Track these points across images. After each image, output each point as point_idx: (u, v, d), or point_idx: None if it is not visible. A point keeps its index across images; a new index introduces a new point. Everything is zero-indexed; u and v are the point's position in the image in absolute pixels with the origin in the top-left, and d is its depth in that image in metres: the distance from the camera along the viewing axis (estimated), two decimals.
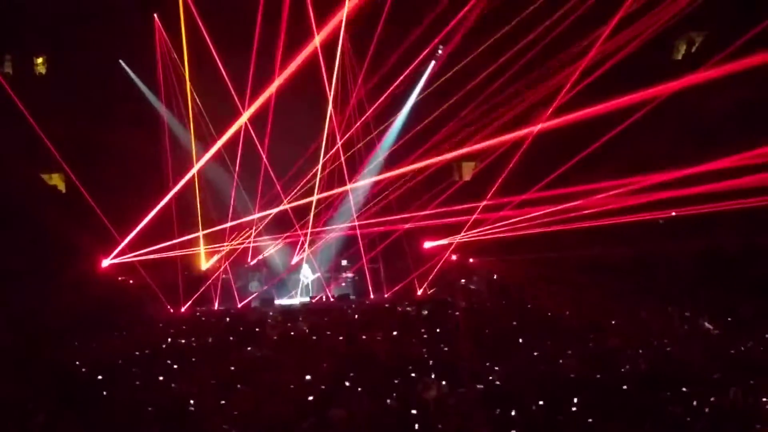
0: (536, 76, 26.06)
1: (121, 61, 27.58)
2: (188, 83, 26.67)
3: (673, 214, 25.16)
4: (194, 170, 26.68)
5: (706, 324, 20.14)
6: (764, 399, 13.35)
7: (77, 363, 17.01)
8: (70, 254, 25.51)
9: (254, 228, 28.66)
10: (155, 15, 26.53)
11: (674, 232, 26.23)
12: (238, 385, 15.11)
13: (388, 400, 13.77)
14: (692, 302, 22.20)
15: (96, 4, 26.25)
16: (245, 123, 26.38)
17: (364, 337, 19.79)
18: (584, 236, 26.04)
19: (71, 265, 25.45)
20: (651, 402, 13.32)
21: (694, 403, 13.27)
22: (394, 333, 20.31)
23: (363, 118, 27.98)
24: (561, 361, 16.44)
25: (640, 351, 17.48)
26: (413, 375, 15.42)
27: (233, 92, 26.08)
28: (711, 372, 15.26)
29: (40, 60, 29.75)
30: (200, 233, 27.66)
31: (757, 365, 15.77)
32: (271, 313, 25.26)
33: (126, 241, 25.53)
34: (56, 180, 29.93)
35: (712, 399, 13.42)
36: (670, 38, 27.73)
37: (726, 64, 21.27)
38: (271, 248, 29.74)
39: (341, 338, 19.65)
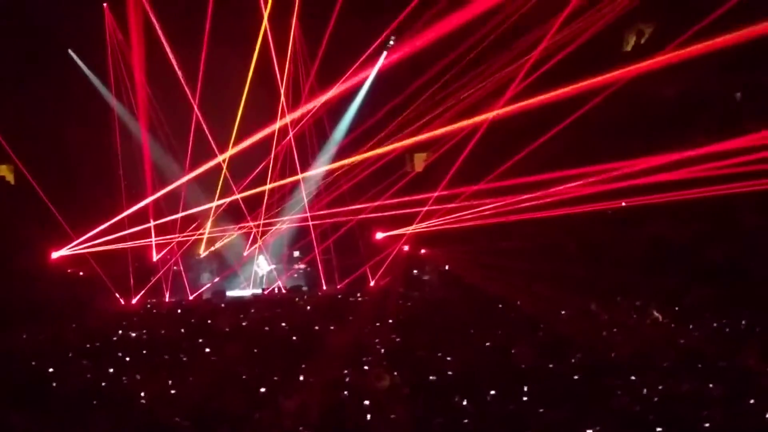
0: (488, 67, 26.12)
1: (70, 50, 27.27)
2: (140, 75, 26.49)
3: (623, 204, 25.38)
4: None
5: (655, 313, 20.34)
6: (710, 385, 13.53)
7: (26, 355, 16.86)
8: (19, 246, 25.25)
9: (209, 219, 28.53)
10: (105, 4, 26.28)
11: (623, 222, 26.48)
12: (190, 377, 15.06)
13: (341, 391, 13.79)
14: (641, 291, 22.42)
15: None
16: (196, 112, 26.27)
17: (316, 328, 19.78)
18: (535, 227, 26.22)
19: (20, 256, 25.19)
20: (601, 391, 13.45)
21: (644, 391, 13.43)
22: (347, 324, 20.34)
23: (314, 108, 27.90)
24: (513, 350, 16.54)
25: (590, 340, 17.64)
26: (366, 365, 15.45)
27: (183, 82, 25.94)
28: (660, 360, 15.45)
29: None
30: (151, 224, 27.46)
31: (704, 352, 16.00)
32: (222, 305, 25.19)
33: (88, 234, 25.32)
34: (4, 171, 29.55)
35: (660, 387, 13.59)
36: (619, 30, 27.95)
37: (672, 54, 21.58)
38: (223, 239, 29.62)
39: (293, 329, 19.64)
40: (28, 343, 18.73)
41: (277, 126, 27.33)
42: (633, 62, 23.67)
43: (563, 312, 20.87)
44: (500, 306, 22.25)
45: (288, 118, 27.42)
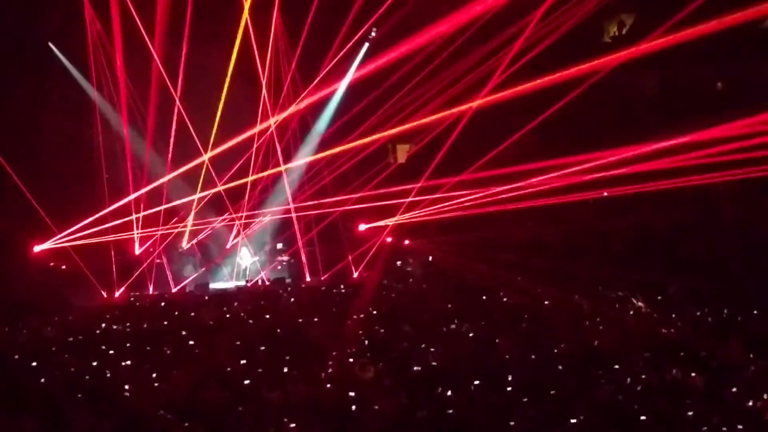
0: (470, 58, 26.12)
1: (50, 44, 27.13)
2: (121, 68, 26.40)
3: (605, 194, 25.47)
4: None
5: (637, 303, 20.44)
6: (693, 374, 13.63)
7: (8, 350, 16.81)
8: (0, 240, 25.14)
9: (192, 211, 28.46)
10: None
11: (605, 213, 26.59)
12: (174, 370, 15.05)
13: (325, 383, 13.82)
14: (623, 282, 22.51)
15: None
16: (178, 105, 26.22)
17: (300, 320, 19.79)
18: (517, 217, 26.32)
19: (1, 251, 25.09)
20: (584, 381, 13.53)
21: (627, 380, 13.52)
22: (330, 316, 20.35)
23: (298, 100, 27.83)
24: (496, 341, 16.60)
25: (573, 331, 17.72)
26: (350, 357, 15.48)
27: (165, 75, 25.88)
28: (642, 350, 15.54)
29: None
30: (133, 216, 27.38)
31: (686, 342, 16.11)
32: (206, 298, 25.17)
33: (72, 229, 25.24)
34: None
35: (643, 376, 13.68)
36: (600, 20, 28.02)
37: (653, 44, 21.67)
38: (206, 231, 29.56)
39: (277, 321, 19.64)
40: (10, 338, 18.66)
41: (258, 127, 27.29)
42: (613, 52, 23.74)
43: (546, 303, 20.94)
44: (484, 297, 22.29)
45: (272, 119, 27.35)
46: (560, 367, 14.32)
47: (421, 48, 25.01)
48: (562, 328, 18.23)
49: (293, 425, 11.79)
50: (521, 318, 19.26)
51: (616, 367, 14.25)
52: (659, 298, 20.94)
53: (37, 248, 25.55)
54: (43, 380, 14.48)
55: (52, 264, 26.62)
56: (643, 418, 11.68)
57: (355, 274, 28.50)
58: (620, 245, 26.28)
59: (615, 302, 20.82)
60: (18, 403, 12.95)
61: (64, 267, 26.62)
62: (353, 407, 12.52)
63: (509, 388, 13.16)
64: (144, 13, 25.15)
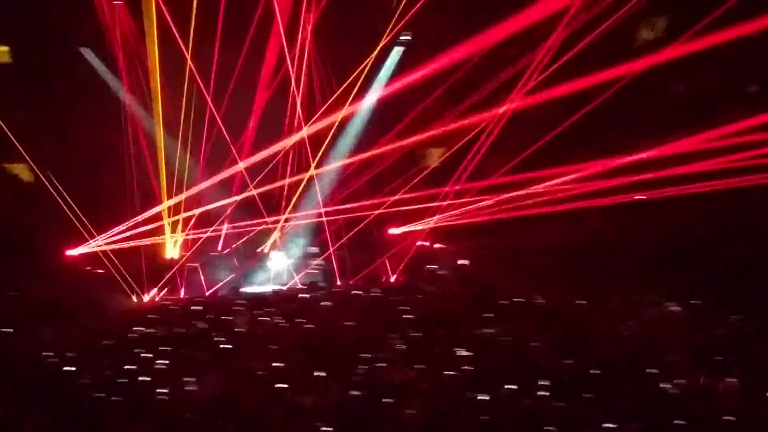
0: (501, 61, 26.05)
1: (83, 49, 27.30)
2: (157, 72, 26.54)
3: (636, 198, 25.30)
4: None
5: (670, 307, 20.32)
6: (726, 378, 13.54)
7: (44, 354, 16.94)
8: (35, 245, 25.34)
9: (225, 215, 28.55)
10: (117, 2, 26.33)
11: (638, 216, 26.42)
12: (206, 374, 15.11)
13: (357, 387, 13.82)
14: (656, 286, 22.37)
15: None
16: (211, 106, 26.36)
17: (332, 324, 19.81)
18: (550, 221, 26.20)
19: (36, 255, 25.29)
20: (617, 385, 13.46)
21: (660, 384, 13.44)
22: (363, 320, 20.35)
23: (328, 103, 27.83)
24: (534, 344, 16.55)
25: (606, 335, 17.64)
26: (382, 362, 15.48)
27: (198, 78, 26.01)
28: (676, 355, 15.45)
29: (4, 48, 29.38)
30: (162, 222, 27.50)
31: (720, 347, 16.00)
32: (238, 302, 25.22)
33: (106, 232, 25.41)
34: (19, 170, 29.59)
35: (677, 381, 13.60)
36: (631, 24, 27.84)
37: (685, 47, 21.54)
38: (240, 236, 29.61)
39: (310, 325, 19.66)
40: (44, 341, 18.79)
41: (293, 139, 27.39)
42: (645, 55, 23.62)
43: (579, 306, 20.85)
44: (516, 301, 22.22)
45: (305, 130, 27.39)
46: (593, 372, 14.25)
47: (454, 52, 24.95)
48: (595, 332, 18.17)
49: (325, 429, 11.80)
50: (554, 322, 19.19)
51: (650, 371, 14.16)
52: (692, 301, 20.80)
53: (69, 252, 25.71)
54: (77, 383, 14.58)
55: (86, 268, 26.78)
56: (677, 422, 11.61)
57: (389, 279, 28.46)
58: (654, 249, 26.07)
59: (648, 306, 20.69)
60: (53, 406, 13.04)
61: (97, 271, 26.76)
62: (385, 411, 12.52)
63: (542, 393, 13.11)
64: (177, 17, 25.30)
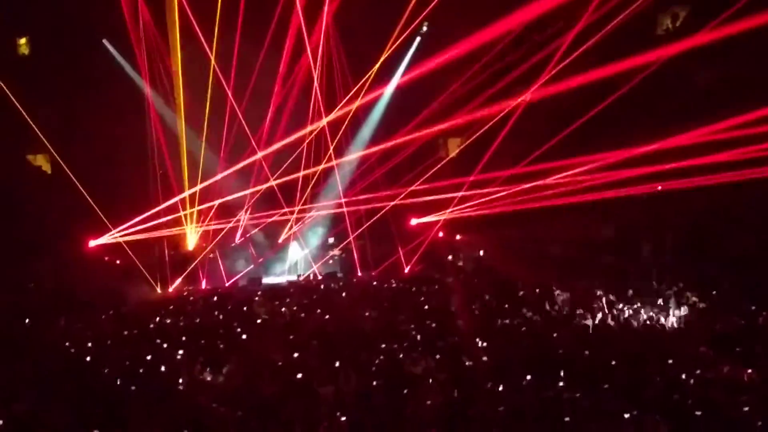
0: (522, 50, 25.97)
1: (105, 41, 27.42)
2: (178, 65, 26.66)
3: (659, 188, 25.18)
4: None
5: (692, 298, 20.24)
6: (749, 370, 13.48)
7: (66, 344, 17.03)
8: (57, 235, 25.47)
9: (244, 206, 28.66)
10: None
11: (658, 207, 26.29)
12: (227, 364, 15.15)
13: (376, 376, 13.83)
14: (677, 276, 22.29)
15: None
16: (231, 99, 26.45)
17: (351, 314, 19.82)
18: (569, 212, 26.11)
19: (58, 246, 25.43)
20: (638, 376, 13.41)
21: (682, 375, 13.39)
22: (382, 310, 20.37)
23: (349, 95, 27.84)
24: (551, 336, 16.53)
25: (626, 326, 17.60)
26: (401, 351, 15.49)
27: (218, 71, 26.09)
28: (696, 345, 15.39)
29: (23, 41, 29.54)
30: (185, 212, 27.61)
31: (741, 337, 15.93)
32: (258, 292, 25.28)
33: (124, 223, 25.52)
34: (41, 161, 29.76)
35: (698, 371, 13.54)
36: (653, 12, 27.66)
37: (709, 35, 21.42)
38: (259, 226, 29.70)
39: (329, 316, 19.69)
40: (66, 331, 18.89)
41: (310, 128, 27.43)
42: (667, 45, 23.51)
43: (599, 297, 20.79)
44: (536, 291, 22.19)
45: (324, 120, 27.42)
46: (614, 362, 14.21)
47: (473, 42, 24.87)
48: (615, 323, 18.13)
49: (345, 418, 11.82)
50: (574, 313, 19.16)
51: (671, 361, 14.11)
52: (714, 293, 20.71)
53: (92, 243, 25.83)
54: (98, 373, 14.66)
55: (107, 258, 26.91)
56: (697, 413, 11.57)
57: (407, 269, 28.48)
58: (674, 240, 25.98)
59: (669, 297, 20.61)
60: (74, 395, 13.10)
61: (118, 261, 26.89)
62: (404, 401, 12.53)
63: (562, 383, 13.09)
64: (198, 10, 25.38)
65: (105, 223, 25.33)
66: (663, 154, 23.14)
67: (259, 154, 27.04)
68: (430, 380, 13.58)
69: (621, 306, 19.92)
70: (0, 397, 12.89)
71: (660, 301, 20.31)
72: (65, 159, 25.37)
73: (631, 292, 21.26)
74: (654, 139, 23.28)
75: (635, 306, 19.89)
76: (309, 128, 27.54)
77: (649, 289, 21.81)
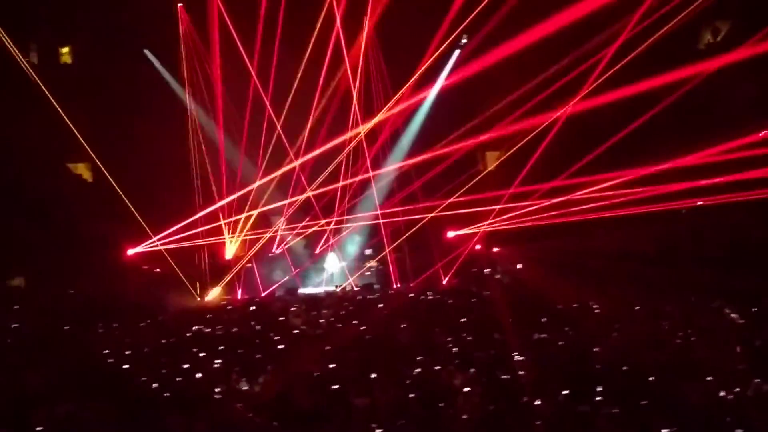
0: (563, 64, 25.88)
1: (146, 50, 27.67)
2: (217, 75, 26.86)
3: (700, 203, 25.01)
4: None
5: (732, 314, 20.02)
6: None
7: (104, 352, 17.14)
8: (97, 243, 25.69)
9: (282, 217, 28.78)
10: (180, 5, 26.62)
11: (699, 222, 26.10)
12: (263, 374, 15.20)
13: (412, 389, 13.80)
14: (717, 292, 22.06)
15: None
16: (269, 110, 26.61)
17: (388, 326, 19.81)
18: (608, 225, 25.96)
19: (97, 254, 25.64)
20: (676, 392, 13.30)
21: (721, 393, 13.24)
22: (419, 322, 20.33)
23: (387, 107, 27.89)
24: (586, 350, 16.42)
25: (665, 341, 17.44)
26: (437, 364, 15.45)
27: (258, 83, 26.26)
28: (736, 362, 15.22)
29: (65, 49, 29.87)
30: (221, 223, 27.76)
31: None
32: (295, 302, 25.34)
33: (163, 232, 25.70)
34: (82, 170, 30.05)
35: (736, 389, 13.39)
36: (695, 27, 27.51)
37: (751, 50, 21.27)
38: (296, 237, 29.79)
39: (365, 327, 19.68)
40: (104, 339, 19.02)
41: (349, 134, 27.52)
42: (708, 59, 23.38)
43: (638, 312, 20.64)
44: (574, 306, 22.06)
45: (362, 128, 27.48)
46: (651, 378, 14.09)
47: (512, 55, 24.83)
48: (654, 337, 17.97)
49: (380, 431, 11.81)
50: (612, 327, 19.02)
51: (709, 378, 13.96)
52: (754, 309, 20.48)
53: (130, 251, 26.02)
54: (136, 381, 14.74)
55: (145, 267, 27.10)
56: (738, 431, 11.44)
57: (444, 281, 28.43)
58: (715, 254, 25.73)
59: (708, 312, 20.41)
60: (112, 403, 13.18)
61: (157, 270, 27.07)
62: (440, 414, 12.50)
63: (598, 398, 12.99)
64: (238, 21, 25.57)
65: (144, 231, 25.51)
66: (702, 169, 23.01)
67: (296, 162, 27.15)
68: (467, 393, 13.54)
69: (660, 320, 19.76)
70: (40, 402, 13.00)
71: (699, 316, 20.13)
72: (106, 167, 25.58)
73: (669, 306, 21.08)
74: (692, 153, 23.17)
75: (674, 320, 19.72)
76: (348, 134, 27.61)
77: (688, 302, 21.61)
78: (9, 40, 23.09)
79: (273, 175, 27.34)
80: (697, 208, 25.38)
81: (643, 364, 15.24)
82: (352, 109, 27.46)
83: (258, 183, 27.48)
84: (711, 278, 23.45)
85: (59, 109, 23.82)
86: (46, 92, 23.70)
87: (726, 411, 12.37)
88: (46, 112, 23.82)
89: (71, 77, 28.76)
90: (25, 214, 25.30)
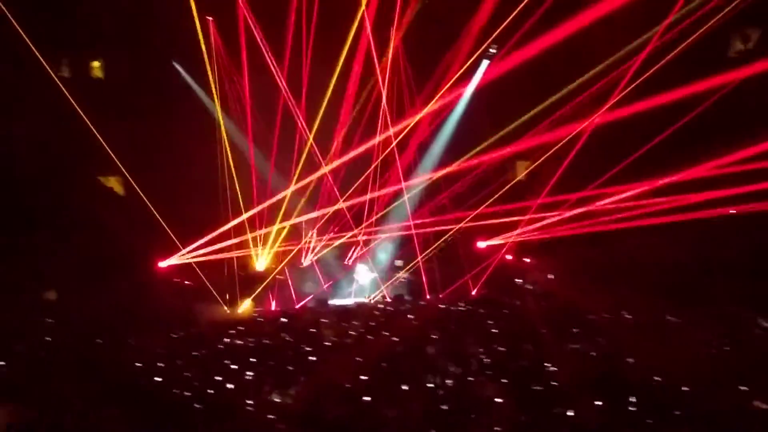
0: (592, 72, 25.79)
1: (175, 63, 27.81)
2: (247, 87, 26.97)
3: (732, 212, 24.82)
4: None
5: (765, 324, 19.87)
6: None
7: (136, 364, 17.22)
8: (128, 256, 25.82)
9: (313, 228, 28.84)
10: (209, 18, 26.73)
11: (730, 231, 25.90)
12: (295, 385, 15.23)
13: (443, 400, 13.79)
14: (749, 303, 21.90)
15: (150, 6, 26.47)
16: (301, 121, 26.70)
17: (419, 337, 19.79)
18: (638, 235, 25.83)
19: (129, 266, 25.77)
20: (710, 403, 13.22)
21: (754, 403, 13.15)
22: (450, 333, 20.31)
23: (416, 118, 27.87)
24: (623, 361, 16.35)
25: (699, 351, 17.34)
26: (469, 375, 15.43)
27: (288, 95, 26.32)
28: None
29: (96, 63, 30.05)
30: (251, 235, 27.82)
31: None
32: (326, 314, 25.37)
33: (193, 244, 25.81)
34: (113, 183, 30.19)
35: None
36: (724, 34, 27.34)
37: None
38: (327, 248, 29.82)
39: (397, 338, 19.68)
40: (136, 351, 19.11)
41: (377, 139, 27.51)
42: (739, 67, 23.22)
43: (670, 321, 20.53)
44: (605, 316, 21.97)
45: (392, 134, 27.48)
46: (685, 388, 14.02)
47: (541, 64, 24.78)
48: (687, 348, 17.87)
49: None
50: (644, 337, 18.92)
51: (744, 388, 13.87)
52: None
53: (161, 264, 26.15)
54: (167, 393, 14.81)
55: (176, 279, 27.20)
56: None
57: (474, 292, 28.38)
58: (748, 264, 25.51)
59: (743, 322, 20.27)
60: (143, 415, 13.25)
61: (188, 282, 27.16)
62: (471, 425, 12.48)
63: (632, 409, 12.94)
64: (265, 28, 25.67)
65: (174, 243, 25.61)
66: (733, 177, 22.87)
67: (325, 169, 27.21)
68: (499, 404, 13.52)
69: (694, 330, 19.64)
70: (73, 412, 13.10)
71: (730, 327, 20.00)
72: (137, 181, 25.70)
73: (703, 315, 20.95)
74: (722, 161, 23.04)
75: (708, 330, 19.59)
76: (377, 140, 27.63)
77: (722, 312, 21.46)
78: (39, 54, 23.23)
79: (306, 181, 27.35)
80: (730, 216, 25.18)
81: (677, 374, 15.17)
82: (381, 118, 27.46)
83: (290, 190, 27.48)
84: (744, 287, 23.28)
85: (89, 123, 23.94)
86: (76, 107, 23.82)
87: (761, 422, 12.30)
88: (77, 125, 23.95)
89: (102, 91, 28.90)
90: (58, 227, 25.49)
